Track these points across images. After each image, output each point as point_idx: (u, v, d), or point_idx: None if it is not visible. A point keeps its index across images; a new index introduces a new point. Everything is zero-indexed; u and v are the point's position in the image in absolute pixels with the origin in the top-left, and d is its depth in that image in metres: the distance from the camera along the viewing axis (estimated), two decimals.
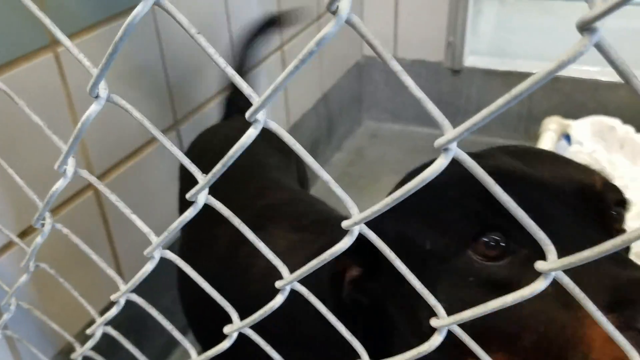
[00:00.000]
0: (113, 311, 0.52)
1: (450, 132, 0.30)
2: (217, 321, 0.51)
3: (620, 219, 0.50)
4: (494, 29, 2.37)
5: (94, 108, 0.37)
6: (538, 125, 1.92)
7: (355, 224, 0.36)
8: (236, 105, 1.33)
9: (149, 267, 0.45)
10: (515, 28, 2.35)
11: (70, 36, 0.98)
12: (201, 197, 0.39)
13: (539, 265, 0.31)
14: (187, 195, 0.38)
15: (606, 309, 0.40)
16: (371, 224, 0.37)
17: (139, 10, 0.32)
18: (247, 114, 0.33)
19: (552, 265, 0.30)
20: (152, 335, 1.33)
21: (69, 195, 1.05)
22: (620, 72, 0.25)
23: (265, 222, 0.89)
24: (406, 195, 0.33)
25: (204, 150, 1.13)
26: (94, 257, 0.52)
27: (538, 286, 0.31)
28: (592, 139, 1.79)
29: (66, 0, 0.96)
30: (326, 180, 0.36)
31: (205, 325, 0.93)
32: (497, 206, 0.33)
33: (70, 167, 0.43)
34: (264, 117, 0.34)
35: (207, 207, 0.40)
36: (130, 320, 1.11)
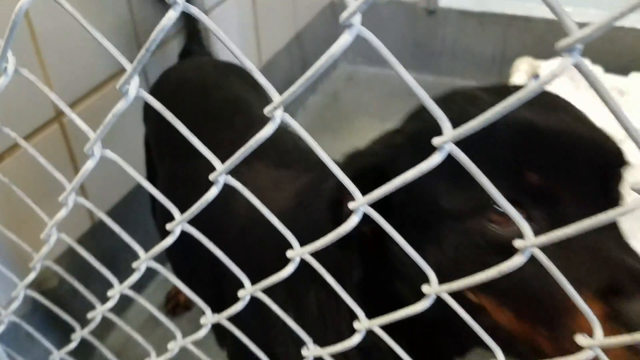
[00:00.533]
0: (62, 212, 0.53)
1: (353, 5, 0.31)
2: (197, 256, 0.52)
3: (620, 179, 0.51)
4: None
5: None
6: (511, 66, 1.93)
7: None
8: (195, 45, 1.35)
9: (90, 165, 0.45)
10: None
11: None
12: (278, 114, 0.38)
13: (517, 243, 0.32)
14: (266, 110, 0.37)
15: (598, 294, 0.42)
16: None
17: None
18: (266, 111, 0.35)
19: (527, 242, 0.32)
20: (127, 268, 1.34)
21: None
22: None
23: (250, 158, 0.89)
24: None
25: (171, 90, 1.10)
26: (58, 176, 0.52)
27: (515, 262, 0.33)
28: (560, 79, 1.81)
29: None
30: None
31: (185, 258, 0.91)
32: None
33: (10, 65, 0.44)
34: (281, 115, 0.35)
35: (186, 143, 0.40)
36: (103, 253, 1.13)
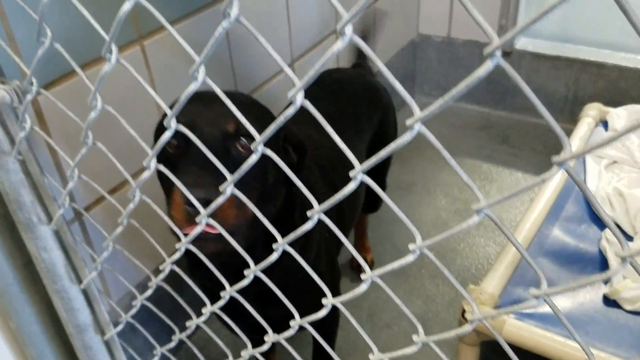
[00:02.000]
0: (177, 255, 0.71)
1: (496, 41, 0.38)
2: None
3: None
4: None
5: (193, 87, 0.49)
6: (582, 109, 2.00)
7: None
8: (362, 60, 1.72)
9: (167, 135, 0.63)
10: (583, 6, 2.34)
11: (156, 30, 1.18)
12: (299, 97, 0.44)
13: None
14: (289, 94, 0.44)
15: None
16: None
17: (225, 26, 0.44)
18: (408, 122, 0.42)
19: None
20: None
21: None
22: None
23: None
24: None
25: (326, 83, 1.45)
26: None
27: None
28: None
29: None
30: None
31: None
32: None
33: (201, 74, 0.48)
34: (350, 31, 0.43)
35: None
36: None
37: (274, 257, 0.59)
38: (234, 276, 0.74)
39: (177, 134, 0.72)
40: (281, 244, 0.58)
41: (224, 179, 0.54)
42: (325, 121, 0.47)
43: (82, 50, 1.05)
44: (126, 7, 0.45)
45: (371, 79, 1.57)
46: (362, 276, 0.56)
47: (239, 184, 0.55)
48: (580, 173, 1.84)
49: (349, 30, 0.40)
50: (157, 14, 0.47)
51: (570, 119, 2.28)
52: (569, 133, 2.15)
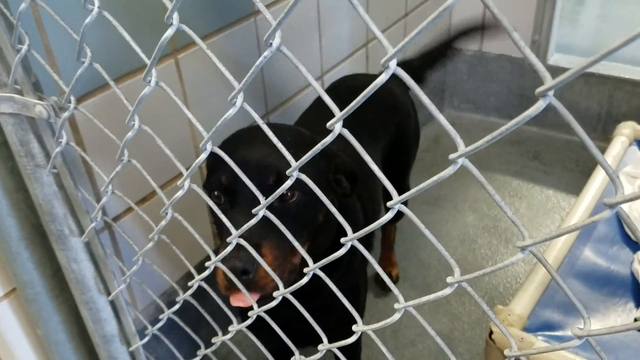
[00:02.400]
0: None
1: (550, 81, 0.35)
2: None
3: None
4: (595, 19, 2.35)
5: (231, 111, 0.49)
6: (615, 126, 1.96)
7: None
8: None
9: (202, 157, 0.63)
10: (617, 19, 2.27)
11: (187, 45, 1.19)
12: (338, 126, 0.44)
13: None
14: (328, 124, 0.44)
15: None
16: None
17: (266, 55, 0.44)
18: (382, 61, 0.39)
19: None
20: None
21: None
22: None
23: None
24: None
25: (342, 91, 1.44)
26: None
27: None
28: None
29: (183, 16, 1.16)
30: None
31: None
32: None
33: (239, 100, 0.49)
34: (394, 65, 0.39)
35: None
36: None
37: (304, 280, 0.59)
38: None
39: (221, 187, 0.74)
40: (311, 269, 0.58)
41: (267, 234, 0.57)
42: (364, 151, 0.47)
43: (118, 63, 1.06)
44: (168, 33, 0.45)
45: (389, 86, 1.55)
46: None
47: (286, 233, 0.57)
48: (613, 191, 1.80)
49: (393, 64, 0.39)
50: (199, 41, 0.47)
51: (603, 137, 2.24)
52: (602, 151, 2.11)
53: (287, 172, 0.51)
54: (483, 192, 2.09)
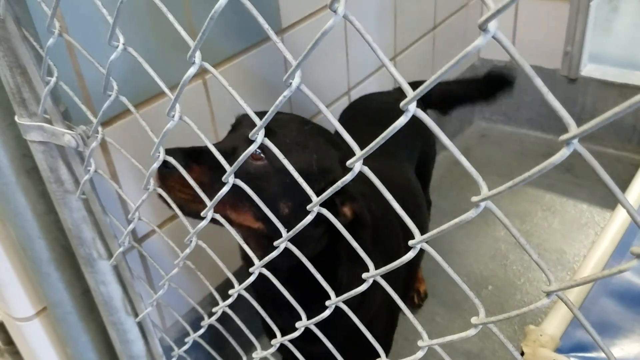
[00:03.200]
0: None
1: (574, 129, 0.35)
2: None
3: None
4: (629, 27, 2.29)
5: (252, 148, 0.51)
6: None
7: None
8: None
9: (225, 189, 0.62)
10: None
11: (218, 64, 1.20)
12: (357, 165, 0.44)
13: None
14: (347, 163, 0.44)
15: None
16: None
17: (286, 94, 0.45)
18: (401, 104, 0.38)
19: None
20: None
21: None
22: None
23: None
24: None
25: (361, 111, 1.43)
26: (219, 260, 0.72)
27: None
28: None
29: (210, 37, 1.17)
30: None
31: None
32: None
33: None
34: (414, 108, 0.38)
35: None
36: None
37: (325, 313, 0.58)
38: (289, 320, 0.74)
39: None
40: (333, 302, 0.57)
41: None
42: (386, 191, 0.46)
43: (146, 85, 1.07)
44: (191, 71, 0.45)
45: (395, 95, 1.54)
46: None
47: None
48: None
49: (412, 107, 0.39)
50: (232, 92, 0.47)
51: (638, 149, 2.19)
52: (637, 163, 2.05)
53: (252, 132, 0.49)
54: (515, 206, 2.06)
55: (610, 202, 1.96)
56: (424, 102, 1.59)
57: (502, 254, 1.86)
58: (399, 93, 1.59)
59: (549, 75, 2.26)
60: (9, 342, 1.24)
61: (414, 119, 1.40)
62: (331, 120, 0.44)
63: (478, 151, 2.37)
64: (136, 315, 0.89)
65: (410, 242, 0.46)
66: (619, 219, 1.57)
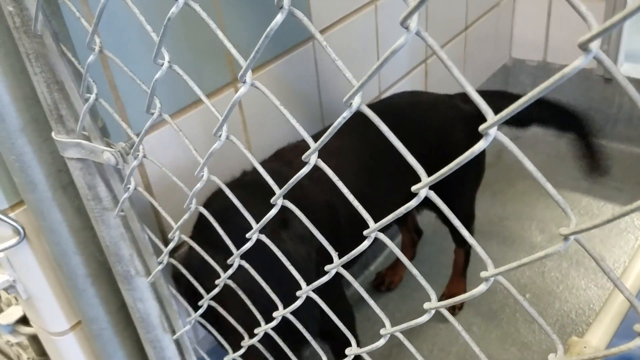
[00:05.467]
0: None
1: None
2: None
3: None
4: None
5: (304, 170, 0.49)
6: None
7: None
8: None
9: (273, 212, 0.60)
10: None
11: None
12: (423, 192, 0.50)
13: None
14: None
15: None
16: None
17: (345, 115, 0.44)
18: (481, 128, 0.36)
19: None
20: None
21: None
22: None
23: None
24: None
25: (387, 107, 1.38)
26: None
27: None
28: None
29: (240, 45, 1.15)
30: None
31: None
32: None
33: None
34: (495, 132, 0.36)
35: None
36: None
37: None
38: None
39: None
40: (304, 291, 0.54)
41: None
42: (451, 214, 0.43)
43: (184, 92, 1.05)
44: (241, 91, 0.43)
45: (448, 111, 1.41)
46: (382, 331, 0.52)
47: None
48: None
49: (493, 131, 0.35)
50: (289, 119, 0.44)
51: None
52: None
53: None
54: (551, 211, 2.00)
55: None
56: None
57: (540, 261, 1.81)
58: (445, 98, 1.47)
59: (584, 76, 2.19)
60: (43, 353, 1.23)
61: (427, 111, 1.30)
62: (393, 141, 0.41)
63: (511, 154, 2.27)
64: (173, 332, 0.87)
65: (365, 232, 0.46)
66: None
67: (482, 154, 1.49)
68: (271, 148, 1.31)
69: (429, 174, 0.40)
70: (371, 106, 1.42)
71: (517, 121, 1.58)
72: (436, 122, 1.38)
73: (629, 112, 2.15)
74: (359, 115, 0.41)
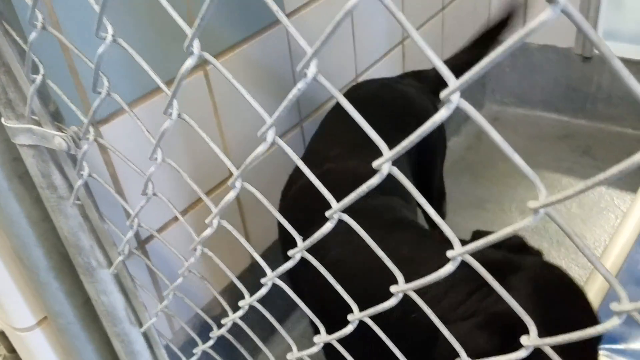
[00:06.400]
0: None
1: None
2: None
3: None
4: None
5: (261, 148, 0.45)
6: None
7: None
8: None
9: (232, 195, 0.48)
10: None
11: (220, 53, 1.14)
12: (385, 167, 0.38)
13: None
14: (374, 164, 0.38)
15: None
16: None
17: (301, 87, 0.38)
18: (442, 95, 0.32)
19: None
20: (273, 299, 1.49)
21: None
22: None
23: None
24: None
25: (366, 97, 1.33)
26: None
27: None
28: None
29: (210, 26, 1.11)
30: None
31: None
32: None
33: (270, 135, 0.50)
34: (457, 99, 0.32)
35: None
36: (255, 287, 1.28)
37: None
38: None
39: None
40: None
41: None
42: (416, 191, 0.40)
43: (141, 81, 1.01)
44: (189, 63, 0.39)
45: (400, 88, 1.39)
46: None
47: None
48: None
49: (456, 98, 0.32)
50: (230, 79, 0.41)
51: None
52: None
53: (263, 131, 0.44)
54: (532, 192, 1.99)
55: (630, 184, 1.89)
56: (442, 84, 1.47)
57: None
58: (405, 79, 1.48)
59: (563, 55, 2.18)
60: (12, 349, 1.19)
61: (405, 102, 1.27)
62: (354, 116, 0.38)
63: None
64: (141, 325, 0.84)
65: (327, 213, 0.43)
66: None
67: (443, 128, 1.46)
68: (245, 131, 1.27)
69: (410, 160, 0.37)
70: (354, 92, 1.37)
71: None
72: (405, 99, 1.35)
73: (608, 90, 2.14)
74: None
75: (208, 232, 0.54)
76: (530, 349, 0.37)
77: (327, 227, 0.44)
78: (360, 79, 1.64)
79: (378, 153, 0.38)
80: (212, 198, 1.23)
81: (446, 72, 0.32)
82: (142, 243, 1.13)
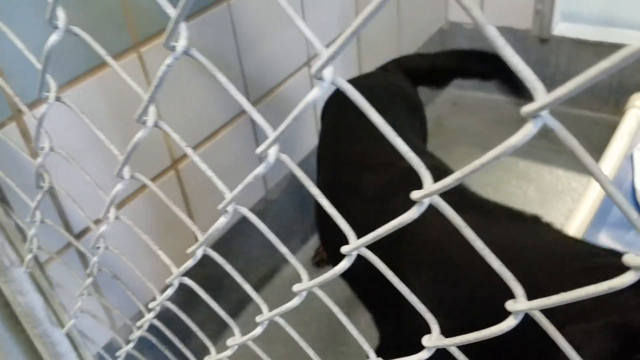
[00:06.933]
0: (189, 263, 0.57)
1: (543, 97, 0.25)
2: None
3: None
4: None
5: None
6: (628, 98, 1.84)
7: None
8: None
9: (222, 221, 0.45)
10: None
11: (155, 35, 1.08)
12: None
13: None
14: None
15: None
16: None
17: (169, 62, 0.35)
18: (313, 70, 0.30)
19: None
20: (227, 292, 1.45)
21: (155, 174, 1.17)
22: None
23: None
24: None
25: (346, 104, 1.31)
26: (179, 213, 0.61)
27: None
28: None
29: (144, 5, 1.05)
30: None
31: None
32: None
33: (151, 117, 0.44)
34: (331, 74, 0.29)
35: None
36: (207, 279, 1.23)
37: None
38: None
39: None
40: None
41: None
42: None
43: (69, 64, 0.95)
44: (52, 39, 0.34)
45: (401, 83, 1.42)
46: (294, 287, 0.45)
47: None
48: (628, 170, 1.69)
49: (329, 73, 0.28)
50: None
51: (615, 110, 2.11)
52: (614, 125, 1.98)
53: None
54: (488, 175, 1.98)
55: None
56: (414, 78, 1.46)
57: None
58: (385, 72, 1.45)
59: (520, 37, 2.16)
60: None
61: (411, 97, 1.24)
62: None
63: (451, 120, 2.27)
64: (63, 325, 0.79)
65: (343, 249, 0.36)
66: (597, 185, 1.50)
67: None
68: (190, 121, 1.22)
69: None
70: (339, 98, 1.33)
71: (436, 81, 1.60)
72: (409, 93, 1.38)
73: (566, 72, 2.13)
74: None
75: (118, 187, 0.49)
76: None
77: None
78: (314, 62, 1.59)
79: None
80: None
81: (318, 46, 0.27)
82: (77, 237, 1.07)
